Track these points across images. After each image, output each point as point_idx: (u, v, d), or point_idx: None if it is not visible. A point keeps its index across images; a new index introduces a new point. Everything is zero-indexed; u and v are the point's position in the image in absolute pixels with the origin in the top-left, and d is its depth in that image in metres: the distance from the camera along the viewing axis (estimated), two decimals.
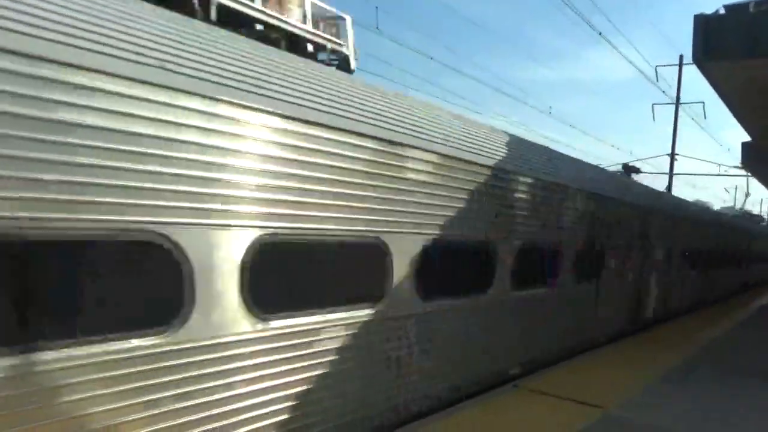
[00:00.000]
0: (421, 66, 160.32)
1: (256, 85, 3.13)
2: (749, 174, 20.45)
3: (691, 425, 4.56)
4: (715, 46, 6.23)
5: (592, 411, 4.65)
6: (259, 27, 5.40)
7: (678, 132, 43.34)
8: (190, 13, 4.25)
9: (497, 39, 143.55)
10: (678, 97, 42.68)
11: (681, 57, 43.54)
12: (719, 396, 5.54)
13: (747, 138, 12.09)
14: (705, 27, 6.23)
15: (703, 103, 46.57)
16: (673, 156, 44.23)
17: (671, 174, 44.67)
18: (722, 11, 6.36)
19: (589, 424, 4.36)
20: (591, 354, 6.97)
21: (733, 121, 9.37)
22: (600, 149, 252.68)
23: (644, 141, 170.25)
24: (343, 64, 6.18)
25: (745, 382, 6.14)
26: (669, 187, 44.67)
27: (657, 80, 43.77)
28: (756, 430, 4.64)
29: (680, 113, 42.84)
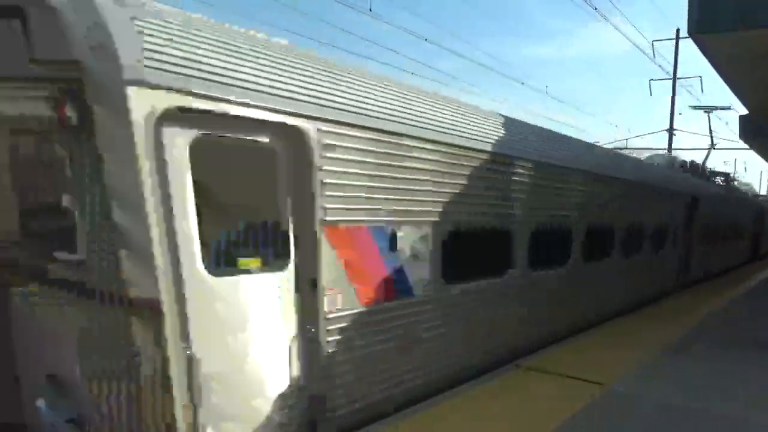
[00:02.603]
0: (414, 48, 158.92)
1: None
2: (748, 147, 20.36)
3: (690, 397, 4.59)
4: (709, 18, 6.18)
5: (593, 388, 4.69)
6: None
7: (676, 107, 43.23)
8: None
9: (491, 18, 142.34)
10: (675, 72, 42.46)
11: (677, 31, 43.14)
12: (717, 368, 5.58)
13: (744, 111, 12.04)
14: None
15: (701, 77, 46.38)
16: (671, 132, 44.16)
17: (670, 149, 44.62)
18: None
19: (592, 401, 4.40)
20: (591, 332, 7.01)
21: (731, 95, 9.33)
22: (598, 127, 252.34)
23: (643, 117, 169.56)
24: None
25: (742, 354, 6.18)
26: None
27: (654, 56, 43.56)
28: (753, 399, 4.68)
29: (678, 88, 42.69)
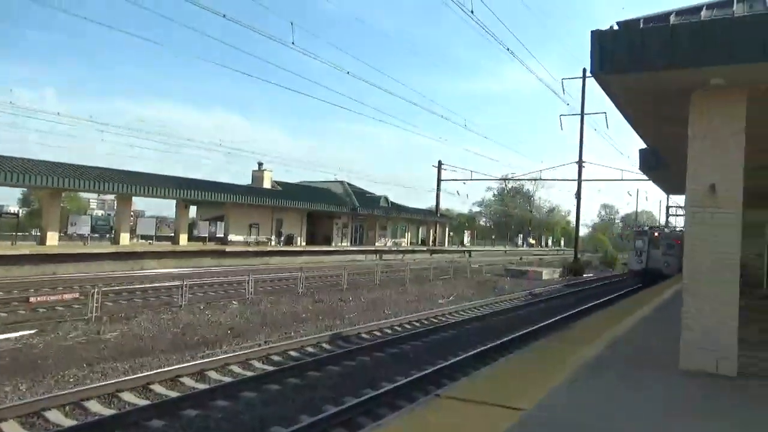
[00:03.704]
0: (344, 84, 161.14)
1: None
2: (647, 179, 21.94)
3: (602, 419, 4.78)
4: (609, 60, 6.64)
5: (513, 413, 4.77)
6: None
7: (584, 140, 45.99)
8: None
9: (415, 54, 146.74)
10: (582, 108, 45.35)
11: (584, 70, 46.26)
12: (628, 389, 5.85)
13: (643, 145, 12.99)
14: (600, 42, 6.63)
15: (605, 113, 49.74)
16: (580, 164, 46.83)
17: (580, 180, 47.25)
18: (616, 27, 6.81)
19: (512, 425, 4.47)
20: (507, 358, 7.18)
21: (630, 129, 10.00)
22: (515, 159, 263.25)
23: (555, 150, 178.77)
24: None
25: (650, 375, 6.52)
26: (578, 193, 47.18)
27: (563, 92, 46.33)
28: (657, 418, 4.93)
29: (585, 123, 45.53)
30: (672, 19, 6.64)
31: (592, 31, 6.78)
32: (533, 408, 4.91)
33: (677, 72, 6.38)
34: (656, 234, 32.59)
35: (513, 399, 5.14)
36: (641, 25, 6.66)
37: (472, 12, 20.14)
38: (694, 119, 6.84)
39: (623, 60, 6.62)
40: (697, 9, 6.77)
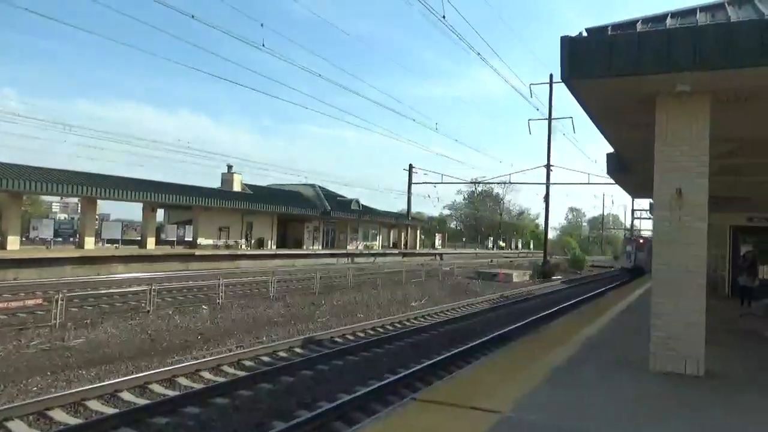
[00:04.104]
0: (309, 84, 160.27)
1: None
2: (613, 182, 22.41)
3: (577, 419, 4.85)
4: (578, 65, 6.77)
5: (490, 416, 4.80)
6: None
7: (552, 145, 46.74)
8: None
9: (385, 57, 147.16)
10: (550, 113, 46.09)
11: (551, 76, 47.00)
12: (600, 390, 5.95)
13: (610, 149, 13.25)
14: (570, 48, 6.75)
15: (572, 118, 50.62)
16: (548, 168, 47.53)
17: (548, 184, 47.93)
18: (585, 33, 6.94)
19: (489, 428, 4.49)
20: (482, 360, 7.24)
21: (597, 134, 10.20)
22: (486, 162, 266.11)
23: (524, 153, 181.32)
24: None
25: (622, 374, 6.65)
26: (547, 196, 47.94)
27: (531, 97, 46.97)
28: (629, 419, 5.03)
29: (552, 128, 46.28)
30: (639, 26, 6.80)
31: (562, 37, 6.90)
32: (509, 410, 4.95)
33: (644, 78, 6.54)
34: (641, 240, 43.94)
35: (489, 401, 5.18)
36: (609, 32, 6.81)
37: (444, 17, 20.31)
38: (660, 124, 7.01)
39: (592, 66, 6.75)
40: (662, 17, 6.96)
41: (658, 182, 6.95)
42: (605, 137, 10.54)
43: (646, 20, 7.00)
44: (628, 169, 14.20)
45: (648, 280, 26.77)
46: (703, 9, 6.96)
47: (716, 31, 6.13)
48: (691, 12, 6.95)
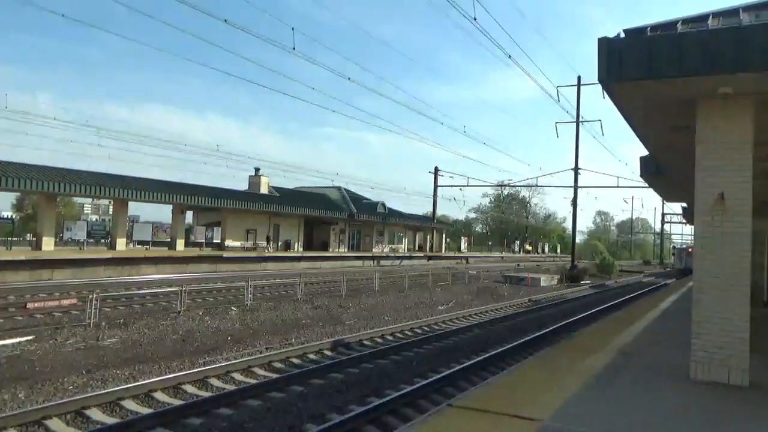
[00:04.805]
0: (337, 87, 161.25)
1: None
2: (647, 185, 22.01)
3: (620, 428, 4.73)
4: (616, 67, 6.63)
5: (530, 425, 4.72)
6: None
7: (579, 147, 46.14)
8: None
9: (411, 62, 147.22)
10: (578, 115, 45.51)
11: (579, 78, 46.45)
12: (642, 400, 5.81)
13: (644, 152, 12.99)
14: (608, 49, 6.62)
15: (600, 121, 49.95)
16: (576, 171, 46.91)
17: (576, 187, 47.32)
18: (623, 35, 6.81)
19: None
20: (516, 366, 7.14)
21: (627, 136, 10.00)
22: (512, 165, 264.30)
23: (551, 156, 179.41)
24: None
25: (662, 383, 6.48)
26: (575, 199, 47.29)
27: (558, 100, 46.43)
28: (671, 429, 4.89)
29: (581, 130, 45.68)
30: (679, 27, 6.64)
31: (599, 39, 6.78)
32: (550, 418, 4.86)
33: (685, 80, 6.37)
34: (690, 249, 56.43)
35: (529, 409, 5.09)
36: (648, 33, 6.67)
37: (474, 19, 20.21)
38: (701, 126, 6.84)
39: (630, 67, 6.60)
40: (703, 18, 6.79)
41: (699, 186, 6.77)
42: (641, 140, 10.33)
43: (686, 21, 6.84)
44: (663, 172, 13.91)
45: (682, 286, 26.18)
46: (747, 9, 6.77)
47: (761, 31, 5.95)
48: (733, 12, 6.76)
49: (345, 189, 55.26)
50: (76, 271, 27.21)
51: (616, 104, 7.86)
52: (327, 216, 47.71)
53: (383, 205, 57.04)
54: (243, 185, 47.84)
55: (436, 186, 64.41)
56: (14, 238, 34.28)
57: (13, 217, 48.65)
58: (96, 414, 7.79)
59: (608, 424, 4.94)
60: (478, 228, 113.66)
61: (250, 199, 40.96)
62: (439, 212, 70.22)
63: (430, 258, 59.31)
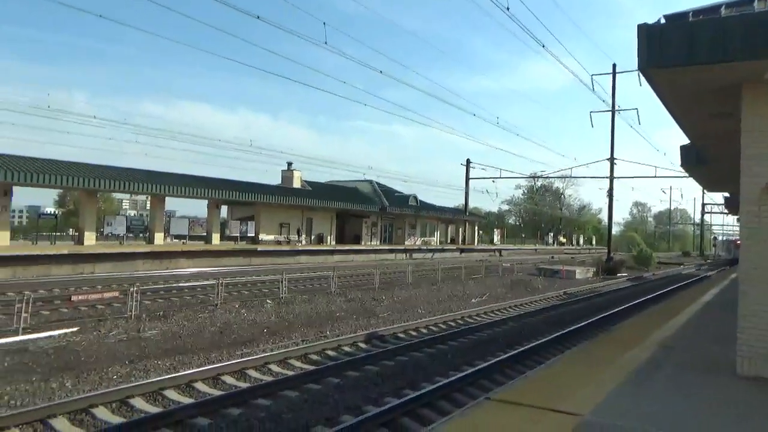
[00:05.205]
0: (364, 80, 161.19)
1: None
2: (686, 175, 21.43)
3: (664, 428, 4.64)
4: (657, 54, 6.46)
5: (571, 419, 4.66)
6: None
7: (615, 136, 45.16)
8: None
9: (440, 53, 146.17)
10: (613, 104, 44.52)
11: (614, 66, 45.42)
12: (686, 395, 5.68)
13: (684, 141, 12.64)
14: (648, 36, 6.45)
15: (637, 109, 48.78)
16: (612, 161, 45.95)
17: (612, 177, 46.39)
18: (663, 21, 6.63)
19: None
20: (554, 360, 7.06)
21: (665, 123, 9.74)
22: (546, 156, 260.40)
23: (586, 146, 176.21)
24: None
25: (706, 378, 6.33)
26: (610, 190, 46.40)
27: (593, 89, 45.57)
28: (724, 427, 4.77)
29: (616, 119, 44.69)
30: (723, 11, 6.44)
31: (639, 25, 6.61)
32: (590, 413, 4.80)
33: (728, 66, 6.17)
34: (737, 242, 57.72)
35: (568, 403, 5.03)
36: (690, 18, 6.47)
37: (507, 9, 19.95)
38: (746, 113, 6.62)
39: (671, 54, 6.42)
40: (748, 1, 6.57)
41: (744, 175, 6.56)
42: (681, 128, 10.05)
43: (729, 5, 6.63)
44: (705, 161, 13.52)
45: (724, 279, 25.46)
46: None
47: None
48: None
49: (377, 182, 55.34)
50: (116, 265, 27.99)
51: (656, 91, 7.66)
52: (359, 209, 47.90)
53: (415, 197, 56.95)
54: (275, 180, 48.41)
55: (468, 178, 63.98)
56: (57, 233, 35.41)
57: (56, 212, 50.23)
58: (139, 403, 8.02)
59: (651, 418, 4.84)
60: (511, 220, 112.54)
61: (283, 194, 41.41)
62: (472, 204, 69.80)
63: (462, 251, 59.04)
